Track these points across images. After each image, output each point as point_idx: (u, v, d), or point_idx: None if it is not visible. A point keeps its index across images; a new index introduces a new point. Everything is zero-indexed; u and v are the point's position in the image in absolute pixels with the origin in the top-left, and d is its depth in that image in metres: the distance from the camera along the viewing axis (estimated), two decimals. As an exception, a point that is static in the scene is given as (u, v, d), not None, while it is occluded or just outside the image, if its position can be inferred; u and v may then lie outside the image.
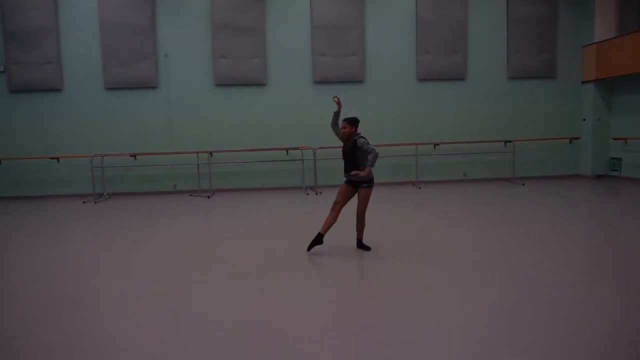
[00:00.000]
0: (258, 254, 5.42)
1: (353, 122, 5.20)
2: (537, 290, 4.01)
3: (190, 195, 10.47)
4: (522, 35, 11.26)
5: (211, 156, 10.81)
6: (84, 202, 9.93)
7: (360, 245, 5.41)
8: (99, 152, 10.57)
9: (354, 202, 5.31)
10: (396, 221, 7.18)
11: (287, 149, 10.86)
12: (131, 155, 10.65)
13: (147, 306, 3.92)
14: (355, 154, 5.13)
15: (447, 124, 11.31)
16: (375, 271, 4.75)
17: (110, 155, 10.58)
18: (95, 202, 9.91)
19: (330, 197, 9.69)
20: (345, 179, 5.34)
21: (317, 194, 10.26)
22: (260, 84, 10.97)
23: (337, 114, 5.39)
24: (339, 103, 5.42)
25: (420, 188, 10.61)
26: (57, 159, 10.66)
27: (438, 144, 11.13)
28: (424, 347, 3.07)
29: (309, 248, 5.24)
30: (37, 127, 10.77)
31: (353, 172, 5.09)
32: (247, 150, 10.76)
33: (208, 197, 10.21)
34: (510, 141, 11.11)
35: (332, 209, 5.27)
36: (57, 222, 8.00)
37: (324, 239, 5.26)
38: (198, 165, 10.59)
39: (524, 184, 10.62)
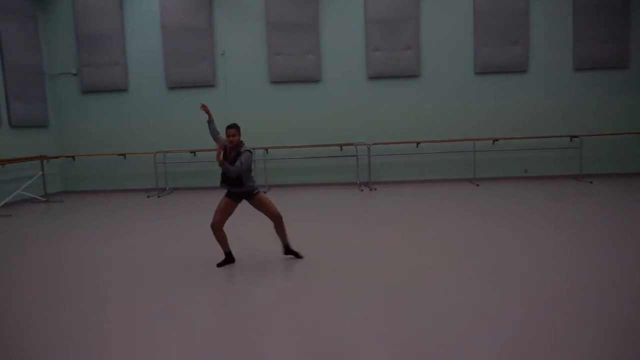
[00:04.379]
0: (311, 248, 5.45)
1: (239, 129, 4.64)
2: (608, 302, 3.77)
3: (246, 190, 10.73)
4: (589, 22, 10.56)
5: (267, 152, 11.03)
6: (148, 196, 10.46)
7: (289, 251, 4.98)
8: (162, 149, 11.09)
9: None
10: (452, 220, 6.98)
11: (341, 145, 10.87)
12: (191, 152, 11.08)
13: (208, 291, 4.07)
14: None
15: (507, 118, 10.87)
16: (435, 276, 4.64)
17: (171, 151, 11.07)
18: (159, 196, 10.41)
19: (384, 193, 9.71)
20: (226, 191, 4.80)
21: (371, 190, 10.21)
22: (314, 80, 11.05)
23: (210, 122, 5.03)
24: (207, 111, 5.07)
25: (478, 185, 10.29)
26: (124, 155, 11.29)
27: (497, 139, 10.72)
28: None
29: (220, 265, 4.87)
30: (106, 125, 11.47)
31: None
32: (301, 146, 10.89)
33: (264, 192, 10.42)
34: (576, 136, 10.51)
35: (215, 232, 4.79)
36: (123, 215, 8.45)
37: (233, 254, 4.98)
38: (254, 161, 10.81)
39: (591, 182, 10.02)
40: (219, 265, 4.89)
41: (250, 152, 4.63)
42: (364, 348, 3.01)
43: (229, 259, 4.95)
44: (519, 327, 3.21)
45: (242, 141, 4.71)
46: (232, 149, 4.66)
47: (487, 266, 4.59)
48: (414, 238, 5.84)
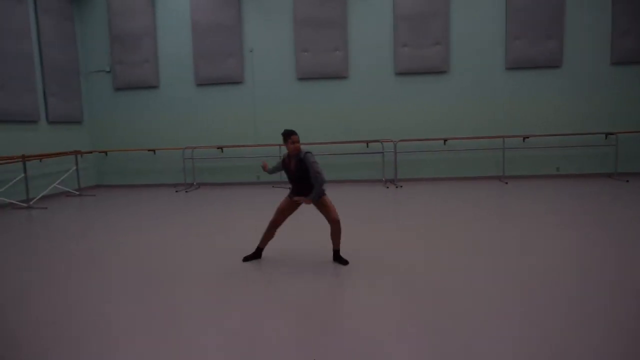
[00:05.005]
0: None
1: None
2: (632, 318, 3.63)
3: (273, 186, 10.81)
4: (629, 14, 10.16)
5: (293, 149, 11.05)
6: (176, 191, 10.66)
7: (337, 258, 4.75)
8: (190, 145, 11.29)
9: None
10: (477, 218, 6.85)
11: (367, 142, 10.82)
12: (218, 148, 11.23)
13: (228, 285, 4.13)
14: (307, 172, 4.49)
15: (539, 115, 10.59)
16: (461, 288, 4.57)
17: (199, 147, 11.25)
18: (186, 192, 10.60)
19: (410, 190, 9.61)
20: (288, 192, 4.85)
21: (397, 187, 10.13)
22: (341, 76, 11.02)
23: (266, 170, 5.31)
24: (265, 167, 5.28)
25: (507, 183, 10.07)
26: (154, 150, 11.55)
27: (528, 137, 10.46)
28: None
29: (246, 259, 4.91)
30: (137, 121, 11.75)
31: (297, 198, 4.54)
32: (328, 143, 10.89)
33: (290, 188, 10.46)
34: (612, 133, 10.15)
35: (269, 228, 4.86)
36: (151, 209, 8.64)
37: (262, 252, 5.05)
38: (281, 157, 10.89)
39: (627, 181, 9.66)
40: (245, 259, 4.95)
41: (311, 152, 4.53)
42: (389, 346, 2.99)
43: (256, 254, 4.99)
44: (549, 328, 3.13)
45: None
46: (292, 157, 4.59)
47: (511, 266, 4.49)
48: (438, 236, 5.76)
